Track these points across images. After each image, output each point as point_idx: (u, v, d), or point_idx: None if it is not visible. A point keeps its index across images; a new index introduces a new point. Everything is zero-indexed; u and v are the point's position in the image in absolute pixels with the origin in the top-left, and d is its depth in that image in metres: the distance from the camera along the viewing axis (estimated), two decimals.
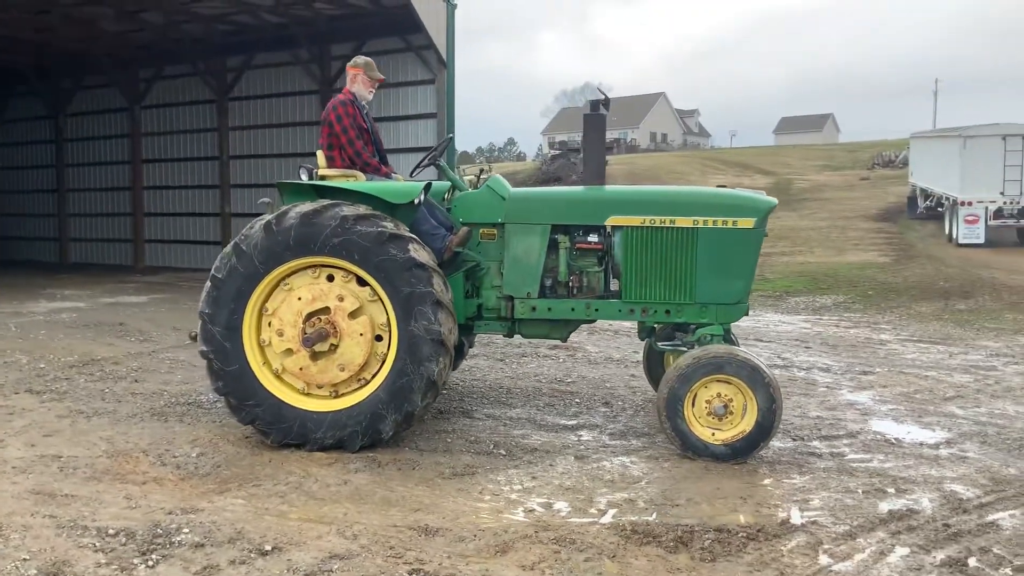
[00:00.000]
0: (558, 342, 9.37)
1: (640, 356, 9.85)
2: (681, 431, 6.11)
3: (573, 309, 6.67)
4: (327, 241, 6.03)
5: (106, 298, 15.54)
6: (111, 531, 4.73)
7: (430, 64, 17.99)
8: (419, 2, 16.35)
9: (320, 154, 6.98)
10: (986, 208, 22.78)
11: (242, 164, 21.27)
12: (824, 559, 4.52)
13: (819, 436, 6.78)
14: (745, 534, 4.78)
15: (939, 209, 26.07)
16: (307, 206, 6.14)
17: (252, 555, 4.46)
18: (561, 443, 6.51)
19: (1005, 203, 22.92)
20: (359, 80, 7.11)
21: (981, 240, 22.60)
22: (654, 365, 7.76)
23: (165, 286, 18.13)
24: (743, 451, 6.06)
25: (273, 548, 4.54)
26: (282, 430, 6.17)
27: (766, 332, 12.16)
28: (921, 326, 12.85)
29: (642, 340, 7.35)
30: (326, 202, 6.17)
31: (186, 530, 4.76)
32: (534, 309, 6.67)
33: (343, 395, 6.25)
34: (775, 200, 6.65)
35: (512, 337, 7.05)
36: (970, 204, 22.80)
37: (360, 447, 6.15)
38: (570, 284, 6.72)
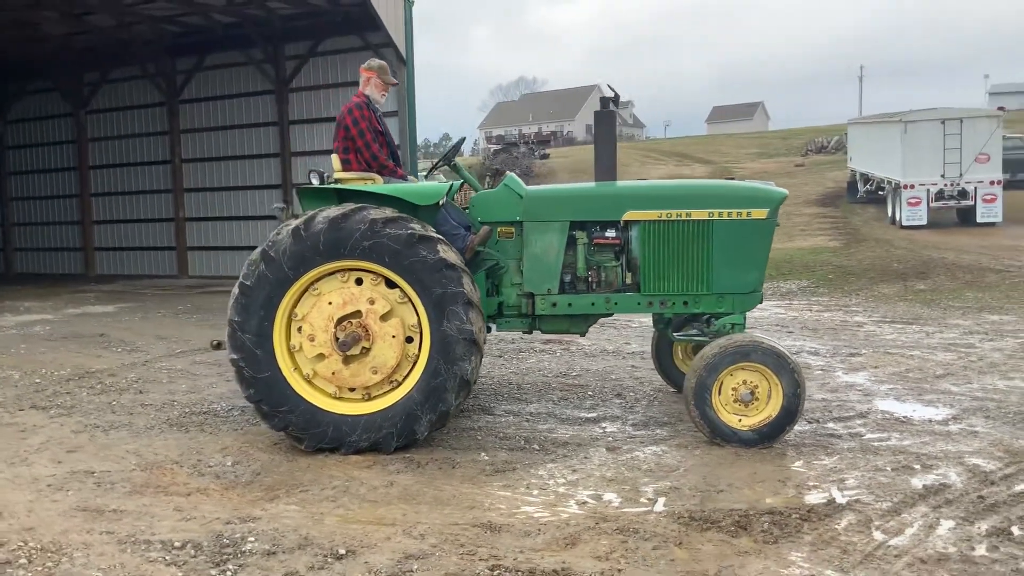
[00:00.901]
0: (550, 336, 9.53)
1: (633, 347, 10.05)
2: (709, 419, 6.27)
3: (593, 304, 6.80)
4: (357, 244, 6.05)
5: (71, 309, 15.20)
6: (176, 544, 4.71)
7: (390, 62, 17.89)
8: (377, 0, 16.30)
9: (335, 158, 6.98)
10: (927, 191, 23.54)
11: (196, 167, 20.94)
12: (878, 535, 4.71)
13: (832, 418, 7.01)
14: (798, 515, 4.96)
15: (880, 193, 26.87)
16: (334, 210, 6.14)
17: (328, 559, 4.49)
18: (588, 435, 6.63)
19: (945, 185, 23.73)
20: (372, 83, 7.12)
21: (924, 222, 23.37)
22: (663, 355, 7.92)
23: (125, 294, 17.79)
24: (770, 435, 6.25)
25: (347, 552, 4.57)
26: (316, 435, 6.18)
27: None
28: (889, 307, 13.29)
29: (659, 332, 7.50)
30: (352, 205, 6.18)
31: (251, 539, 4.77)
32: (555, 305, 6.77)
33: (375, 397, 6.28)
34: (786, 191, 6.86)
35: (531, 333, 7.14)
36: (912, 187, 23.55)
37: (395, 448, 6.19)
38: (588, 279, 6.84)
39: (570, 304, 6.79)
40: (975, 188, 23.73)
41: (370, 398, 6.29)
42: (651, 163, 51.67)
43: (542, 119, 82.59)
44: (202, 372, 9.08)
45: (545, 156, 51.94)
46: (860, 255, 18.89)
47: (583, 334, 7.14)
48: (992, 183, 23.85)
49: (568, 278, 6.84)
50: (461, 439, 6.58)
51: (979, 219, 23.83)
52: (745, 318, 6.81)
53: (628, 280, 6.90)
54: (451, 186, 6.70)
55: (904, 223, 23.41)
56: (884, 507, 5.10)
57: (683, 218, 6.66)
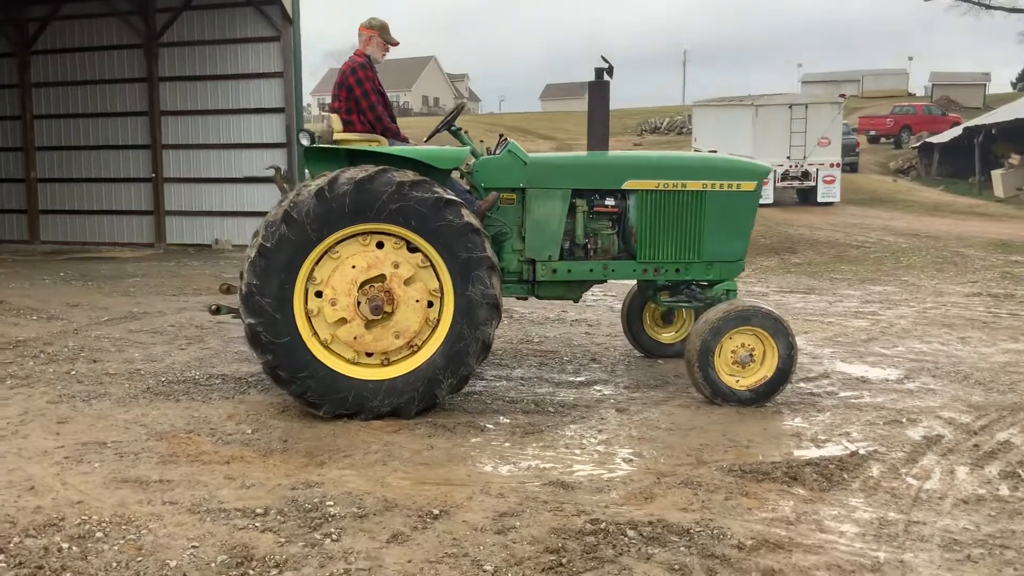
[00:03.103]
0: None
1: (573, 315, 10.31)
2: (712, 380, 6.61)
3: (591, 270, 6.99)
4: (384, 207, 5.96)
5: None
6: (258, 510, 4.57)
7: (273, 20, 17.32)
8: None
9: (336, 118, 6.80)
10: (774, 171, 25.08)
11: (50, 124, 19.45)
12: (911, 480, 5.18)
13: (801, 379, 7.51)
14: (835, 466, 5.36)
15: None
16: (357, 171, 6.01)
17: (426, 519, 4.49)
18: (591, 398, 6.84)
19: (791, 166, 25.41)
20: (374, 42, 6.95)
21: (770, 200, 24.87)
22: (634, 321, 8.21)
23: None
24: (765, 395, 6.66)
25: (440, 512, 4.58)
26: (336, 401, 6.07)
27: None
28: (779, 278, 14.19)
29: (648, 299, 7.76)
30: (375, 167, 6.07)
31: (330, 503, 4.69)
32: (555, 271, 6.92)
33: (394, 362, 6.23)
34: (770, 166, 7.27)
35: (526, 300, 7.26)
36: None
37: (415, 413, 6.18)
38: (587, 246, 7.02)
39: (569, 271, 6.95)
40: (816, 170, 25.54)
41: (389, 363, 6.23)
42: (493, 137, 52.10)
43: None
44: (148, 340, 8.61)
45: None
46: None
47: (577, 300, 7.32)
48: (832, 165, 25.77)
49: (567, 245, 6.99)
50: (469, 403, 6.63)
51: (819, 199, 25.67)
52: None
53: (620, 247, 7.12)
54: (470, 150, 6.69)
55: None
56: (900, 456, 5.59)
57: (679, 188, 6.94)
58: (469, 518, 4.53)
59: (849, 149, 32.20)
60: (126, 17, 18.33)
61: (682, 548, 4.22)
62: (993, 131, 32.56)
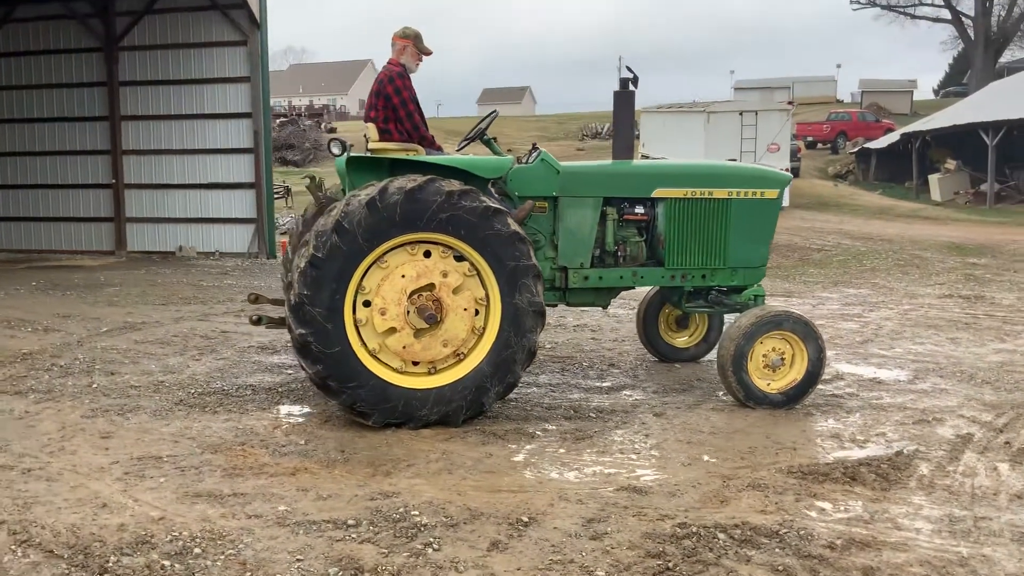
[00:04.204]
0: None
1: (571, 320, 10.41)
2: (745, 383, 6.77)
3: (622, 277, 7.10)
4: (434, 216, 5.98)
5: None
6: (349, 522, 4.56)
7: (240, 25, 17.09)
8: None
9: (372, 127, 6.78)
10: None
11: (3, 129, 18.84)
12: (961, 478, 5.40)
13: None
14: (887, 465, 5.55)
15: None
16: (407, 181, 6.01)
17: (518, 527, 4.54)
18: (626, 403, 6.94)
19: None
20: (408, 52, 6.96)
21: None
22: (650, 326, 8.34)
23: None
24: (796, 398, 6.85)
25: (529, 519, 4.63)
26: (386, 410, 6.06)
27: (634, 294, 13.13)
28: None
29: (673, 304, 7.89)
30: (422, 176, 6.08)
31: (415, 512, 4.70)
32: (587, 279, 7.01)
33: (441, 371, 6.25)
34: (791, 175, 7.47)
35: (556, 307, 7.33)
36: None
37: (462, 421, 6.21)
38: (617, 253, 7.13)
39: (601, 278, 7.05)
40: None
41: (435, 371, 6.25)
42: (440, 140, 51.99)
43: (312, 92, 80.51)
44: (158, 351, 8.45)
45: (332, 130, 50.92)
46: None
47: (606, 307, 7.42)
48: (782, 171, 26.34)
49: (598, 252, 7.09)
50: (509, 410, 6.67)
51: None
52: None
53: (648, 254, 7.25)
54: (514, 159, 6.74)
55: None
56: (942, 455, 5.81)
57: (706, 196, 7.10)
58: (560, 525, 4.59)
59: (792, 155, 32.99)
60: (84, 20, 17.88)
61: (776, 550, 4.34)
62: (928, 137, 33.75)
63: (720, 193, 7.12)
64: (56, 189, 18.58)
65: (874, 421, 6.54)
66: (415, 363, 6.21)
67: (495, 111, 7.33)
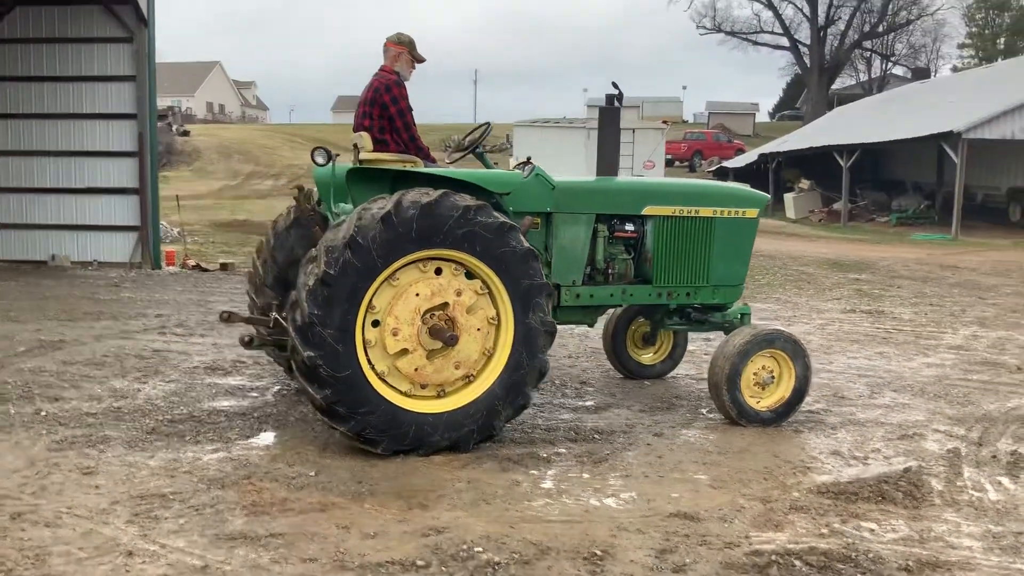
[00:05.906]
0: None
1: None
2: (738, 401, 6.80)
3: (611, 295, 7.01)
4: (451, 232, 5.70)
5: None
6: (418, 562, 4.24)
7: (125, 21, 16.04)
8: None
9: (365, 136, 6.40)
10: None
11: None
12: (974, 492, 5.57)
13: None
14: (905, 482, 5.67)
15: None
16: (420, 195, 5.70)
17: (595, 561, 4.35)
18: (620, 424, 6.84)
19: None
20: (403, 59, 6.64)
21: None
22: (619, 343, 8.28)
23: None
24: (784, 415, 6.93)
25: (602, 552, 4.45)
26: (397, 437, 5.72)
27: None
28: None
29: (657, 323, 7.83)
30: (438, 191, 5.78)
31: (478, 549, 4.43)
32: (578, 296, 6.88)
33: (449, 394, 5.96)
34: (768, 195, 7.59)
35: None
36: None
37: (472, 446, 5.95)
38: (606, 271, 7.03)
39: (591, 295, 6.93)
40: None
41: (444, 395, 5.95)
42: (298, 147, 50.81)
43: (158, 92, 76.18)
44: (95, 374, 7.69)
45: (185, 133, 48.86)
46: None
47: (592, 325, 7.30)
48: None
49: (588, 270, 6.98)
50: (507, 433, 6.42)
51: None
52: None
53: (635, 272, 7.19)
54: (522, 173, 6.52)
55: None
56: (945, 468, 6.00)
57: (692, 215, 7.12)
58: (635, 557, 4.42)
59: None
60: None
61: (859, 575, 4.33)
62: (780, 159, 35.54)
63: (706, 211, 7.15)
64: None
65: (862, 437, 6.68)
66: (423, 386, 5.90)
67: (488, 124, 7.08)
